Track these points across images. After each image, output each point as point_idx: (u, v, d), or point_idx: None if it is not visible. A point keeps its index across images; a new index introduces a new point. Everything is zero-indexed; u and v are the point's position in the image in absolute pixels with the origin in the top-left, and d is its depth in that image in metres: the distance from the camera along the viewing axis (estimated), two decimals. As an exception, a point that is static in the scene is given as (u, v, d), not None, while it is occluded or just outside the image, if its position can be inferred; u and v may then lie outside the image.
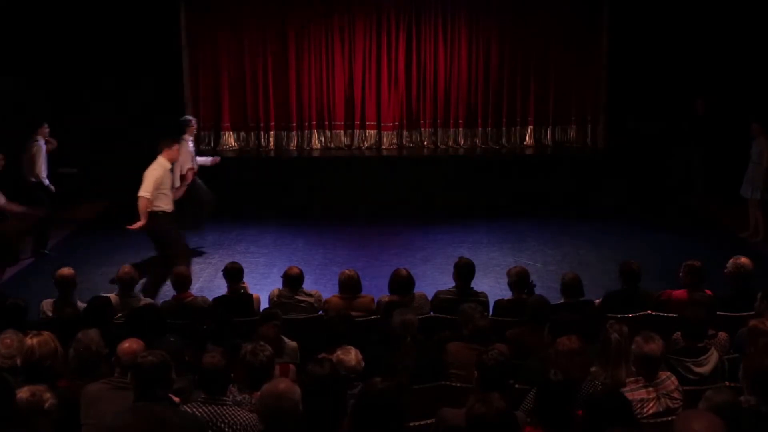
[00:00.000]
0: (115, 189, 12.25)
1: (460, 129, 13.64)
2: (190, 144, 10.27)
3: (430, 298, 6.66)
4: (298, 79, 13.42)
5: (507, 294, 6.76)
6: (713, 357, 5.04)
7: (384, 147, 13.58)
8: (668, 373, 4.66)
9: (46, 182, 10.13)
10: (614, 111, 13.06)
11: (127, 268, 6.83)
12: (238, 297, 6.85)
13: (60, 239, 10.68)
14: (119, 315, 6.26)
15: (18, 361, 4.68)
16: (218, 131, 13.41)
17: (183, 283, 6.75)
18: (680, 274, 6.50)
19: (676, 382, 4.62)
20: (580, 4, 13.28)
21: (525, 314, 5.86)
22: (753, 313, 5.71)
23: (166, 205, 8.31)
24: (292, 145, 13.62)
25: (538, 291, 6.63)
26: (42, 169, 10.05)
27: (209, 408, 4.10)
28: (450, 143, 13.67)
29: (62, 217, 11.09)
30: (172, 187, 8.61)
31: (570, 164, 13.04)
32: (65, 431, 4.13)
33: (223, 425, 4.03)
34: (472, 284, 6.66)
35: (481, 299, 6.46)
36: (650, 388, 4.52)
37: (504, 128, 13.64)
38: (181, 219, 8.86)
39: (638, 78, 12.56)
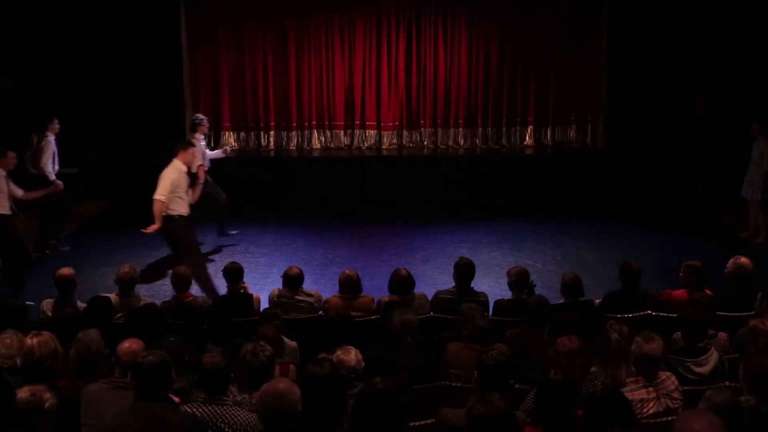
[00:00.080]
0: (115, 189, 12.29)
1: (460, 129, 13.64)
2: (202, 143, 10.28)
3: (430, 298, 6.66)
4: (298, 79, 13.43)
5: (507, 294, 6.76)
6: (713, 357, 5.04)
7: (384, 147, 13.58)
8: (668, 373, 4.66)
9: (52, 177, 10.04)
10: (614, 111, 13.05)
11: (126, 268, 6.83)
12: (238, 297, 6.85)
13: (60, 239, 10.66)
14: (119, 315, 6.26)
15: (18, 361, 4.68)
16: (218, 131, 13.40)
17: (183, 283, 6.75)
18: (680, 274, 6.51)
19: (676, 382, 4.62)
20: (580, 4, 13.27)
21: (525, 314, 5.86)
22: (753, 313, 5.72)
23: (182, 208, 8.24)
24: (292, 145, 13.62)
25: (538, 291, 6.64)
26: (47, 164, 9.97)
27: (209, 408, 4.10)
28: (450, 143, 13.67)
29: (71, 213, 11.06)
30: (188, 190, 8.49)
31: (570, 164, 13.04)
32: (65, 431, 4.13)
33: (223, 425, 4.04)
34: (472, 284, 6.67)
35: (481, 299, 6.46)
36: (650, 388, 4.52)
37: (504, 128, 13.64)
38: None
39: (638, 78, 12.55)
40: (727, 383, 4.78)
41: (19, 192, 8.74)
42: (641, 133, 12.65)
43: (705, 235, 10.71)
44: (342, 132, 13.61)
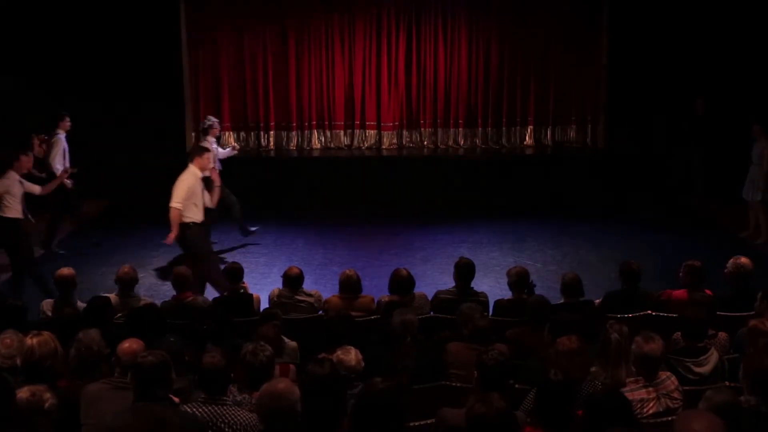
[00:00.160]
0: (115, 189, 12.29)
1: (460, 129, 13.65)
2: (214, 146, 10.24)
3: (430, 298, 6.66)
4: (298, 79, 13.43)
5: (507, 294, 6.75)
6: (713, 357, 5.04)
7: (384, 147, 13.59)
8: (668, 373, 4.66)
9: (59, 173, 9.99)
10: (614, 111, 13.06)
11: (126, 268, 6.82)
12: (238, 297, 6.85)
13: (60, 239, 10.67)
14: (119, 315, 6.26)
15: (18, 361, 4.68)
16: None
17: (183, 283, 6.74)
18: (680, 274, 6.50)
19: (676, 382, 4.62)
20: (580, 4, 13.28)
21: (525, 314, 5.86)
22: (753, 313, 5.71)
23: (195, 215, 8.07)
24: (292, 145, 13.63)
25: (538, 291, 6.64)
26: (56, 161, 9.93)
27: (209, 408, 4.10)
28: (450, 143, 13.68)
29: (80, 212, 11.05)
30: (204, 195, 8.33)
31: (570, 164, 13.04)
32: (65, 431, 4.13)
33: (223, 425, 4.04)
34: (472, 284, 6.66)
35: (481, 299, 6.46)
36: (650, 388, 4.52)
37: (504, 128, 13.65)
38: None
39: (638, 78, 12.56)
40: (727, 383, 4.78)
41: (36, 189, 8.73)
42: (641, 133, 12.65)
43: (705, 235, 10.71)
44: (342, 132, 13.61)
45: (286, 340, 5.55)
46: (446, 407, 4.23)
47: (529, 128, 13.65)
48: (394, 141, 13.64)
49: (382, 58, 13.41)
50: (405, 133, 13.66)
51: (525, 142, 13.66)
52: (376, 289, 7.38)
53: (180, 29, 12.90)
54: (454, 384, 5.03)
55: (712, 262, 6.86)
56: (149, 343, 4.65)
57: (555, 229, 10.96)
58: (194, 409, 4.09)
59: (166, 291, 8.10)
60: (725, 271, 6.48)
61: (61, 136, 10.14)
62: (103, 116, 12.27)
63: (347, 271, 6.67)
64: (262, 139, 13.56)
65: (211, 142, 10.07)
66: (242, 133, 13.52)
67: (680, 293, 6.40)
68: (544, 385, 3.95)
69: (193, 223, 8.05)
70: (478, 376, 4.31)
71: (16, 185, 8.29)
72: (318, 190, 12.54)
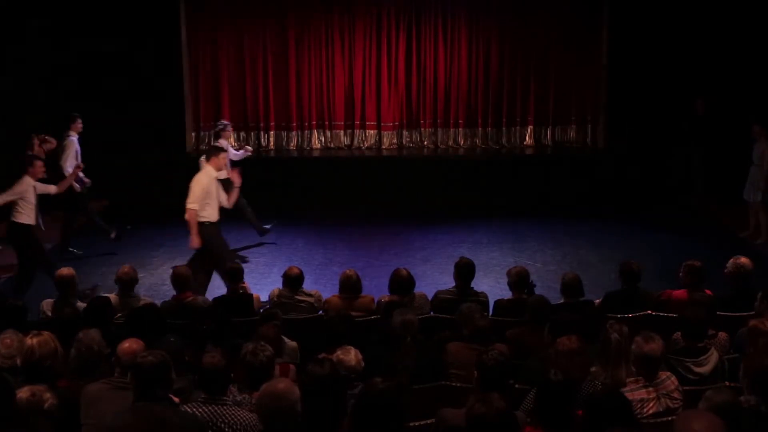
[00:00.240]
0: (115, 189, 12.28)
1: (460, 129, 13.65)
2: (228, 147, 10.23)
3: (430, 298, 6.66)
4: (298, 79, 13.44)
5: (507, 294, 6.75)
6: (713, 357, 5.03)
7: (384, 147, 13.60)
8: (668, 373, 4.66)
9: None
10: (614, 111, 13.06)
11: (126, 268, 6.82)
12: (238, 297, 6.85)
13: (55, 244, 10.65)
14: (119, 315, 6.26)
15: (18, 361, 4.68)
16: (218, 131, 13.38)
17: (183, 283, 6.74)
18: (680, 274, 6.50)
19: (676, 382, 4.62)
20: (580, 4, 13.29)
21: (525, 314, 5.86)
22: (753, 313, 5.71)
23: (211, 215, 8.16)
24: (292, 145, 13.63)
25: (538, 291, 6.64)
26: (68, 164, 9.90)
27: (209, 408, 4.10)
28: (450, 143, 13.68)
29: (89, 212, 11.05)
30: (221, 195, 8.38)
31: (570, 164, 13.04)
32: (65, 431, 4.13)
33: (223, 425, 4.04)
34: (472, 284, 6.66)
35: (481, 299, 6.46)
36: (650, 388, 4.52)
37: (504, 128, 13.66)
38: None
39: (638, 78, 12.56)
40: (727, 383, 4.78)
41: (51, 189, 8.75)
42: (641, 133, 12.65)
43: (705, 235, 10.70)
44: (342, 132, 13.62)
45: (286, 340, 5.55)
46: (446, 407, 4.23)
47: (529, 128, 13.66)
48: (394, 141, 13.64)
49: (382, 58, 13.41)
50: (405, 133, 13.67)
51: (525, 142, 13.67)
52: (376, 289, 7.39)
53: (180, 29, 12.91)
54: (454, 384, 5.03)
55: (712, 262, 6.86)
56: (149, 343, 4.65)
57: (555, 229, 10.97)
58: (194, 409, 4.09)
59: (166, 291, 8.10)
60: (725, 271, 6.48)
61: (74, 138, 10.11)
62: (103, 116, 12.26)
63: (347, 271, 6.67)
64: (262, 139, 13.56)
65: (224, 145, 10.07)
66: (242, 133, 13.52)
67: (680, 293, 6.40)
68: (544, 385, 3.95)
69: (209, 222, 8.13)
70: (478, 376, 4.31)
71: (30, 191, 8.33)
72: (318, 190, 12.54)
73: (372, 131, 13.62)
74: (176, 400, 4.20)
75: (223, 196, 8.40)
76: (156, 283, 9.02)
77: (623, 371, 4.64)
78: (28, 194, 8.29)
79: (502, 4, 13.38)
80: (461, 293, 6.50)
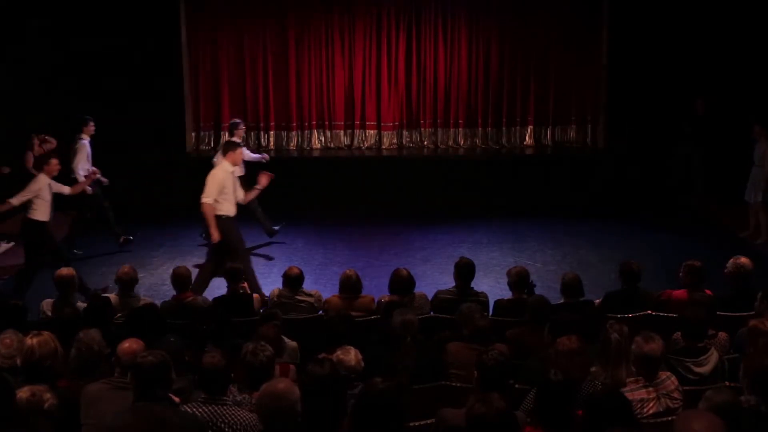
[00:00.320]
0: (115, 189, 12.26)
1: (460, 129, 13.65)
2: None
3: (430, 298, 6.66)
4: (298, 79, 13.44)
5: (507, 294, 6.76)
6: (713, 357, 5.03)
7: (384, 147, 13.59)
8: (668, 373, 4.66)
9: (81, 179, 9.94)
10: (614, 111, 13.05)
11: (126, 268, 6.83)
12: (238, 297, 6.85)
13: (60, 239, 10.65)
14: (119, 315, 6.26)
15: (18, 361, 4.68)
16: (218, 131, 13.40)
17: (183, 283, 6.75)
18: (680, 274, 6.50)
19: (676, 382, 4.62)
20: (580, 4, 13.28)
21: (525, 314, 5.86)
22: (753, 313, 5.71)
23: (227, 209, 8.17)
24: (292, 145, 13.63)
25: (538, 291, 6.64)
26: (79, 167, 9.87)
27: (209, 408, 4.10)
28: (450, 143, 13.68)
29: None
30: (237, 190, 8.37)
31: (570, 164, 13.04)
32: (65, 431, 4.13)
33: (223, 425, 4.04)
34: (472, 284, 6.67)
35: (481, 299, 6.46)
36: (650, 388, 4.52)
37: (504, 128, 13.65)
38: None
39: (638, 78, 12.55)
40: (727, 383, 4.78)
41: (66, 189, 8.77)
42: (641, 133, 12.65)
43: (705, 235, 10.71)
44: (342, 132, 13.62)
45: (286, 340, 5.55)
46: (446, 407, 4.23)
47: (529, 128, 13.65)
48: (394, 141, 13.64)
49: (382, 58, 13.41)
50: (405, 133, 13.66)
51: (525, 142, 13.66)
52: (376, 289, 7.39)
53: (180, 29, 12.90)
54: (454, 384, 5.03)
55: (712, 262, 6.86)
56: (149, 343, 4.65)
57: (555, 229, 10.97)
58: (194, 409, 4.09)
59: (166, 291, 8.10)
60: (725, 271, 6.48)
61: (86, 141, 10.05)
62: (103, 116, 12.24)
63: (347, 271, 6.68)
64: (262, 139, 13.56)
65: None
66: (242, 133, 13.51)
67: (680, 293, 6.40)
68: (544, 385, 3.95)
69: (226, 216, 8.14)
70: (478, 376, 4.31)
71: (46, 189, 8.38)
72: (318, 190, 12.53)
73: (372, 131, 13.62)
74: (176, 400, 4.20)
75: (240, 192, 8.41)
76: (156, 283, 9.02)
77: (623, 371, 4.64)
78: (43, 192, 8.35)
79: (502, 4, 13.38)
80: (461, 293, 6.51)
